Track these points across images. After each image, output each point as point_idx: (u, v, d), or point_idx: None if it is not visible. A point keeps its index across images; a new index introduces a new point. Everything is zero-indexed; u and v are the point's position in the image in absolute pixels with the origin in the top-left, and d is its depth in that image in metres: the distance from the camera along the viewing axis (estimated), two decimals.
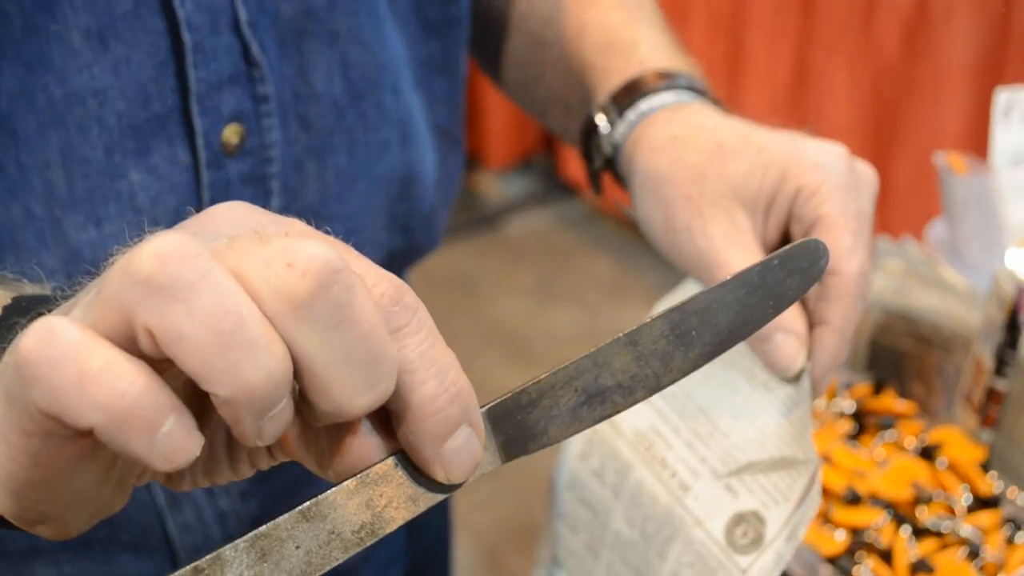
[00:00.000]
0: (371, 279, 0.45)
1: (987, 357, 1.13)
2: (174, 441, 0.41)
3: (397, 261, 1.01)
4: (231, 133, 0.82)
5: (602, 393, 0.53)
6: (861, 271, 0.71)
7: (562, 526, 0.81)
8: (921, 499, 1.10)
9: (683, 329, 0.54)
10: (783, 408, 0.72)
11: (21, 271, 0.59)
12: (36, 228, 0.77)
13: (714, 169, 0.75)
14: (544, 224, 3.79)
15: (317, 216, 0.90)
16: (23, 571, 0.93)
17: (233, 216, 0.47)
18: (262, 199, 0.85)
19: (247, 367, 0.41)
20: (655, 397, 0.73)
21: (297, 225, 0.47)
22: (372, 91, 0.89)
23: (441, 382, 0.46)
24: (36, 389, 0.41)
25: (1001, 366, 1.12)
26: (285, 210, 0.86)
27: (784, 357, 0.71)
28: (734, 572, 0.68)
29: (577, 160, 2.91)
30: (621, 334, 0.53)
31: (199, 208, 0.81)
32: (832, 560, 1.06)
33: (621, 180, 0.85)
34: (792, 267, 0.56)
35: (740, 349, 0.73)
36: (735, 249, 0.72)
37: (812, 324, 0.73)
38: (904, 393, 1.24)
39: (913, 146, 2.69)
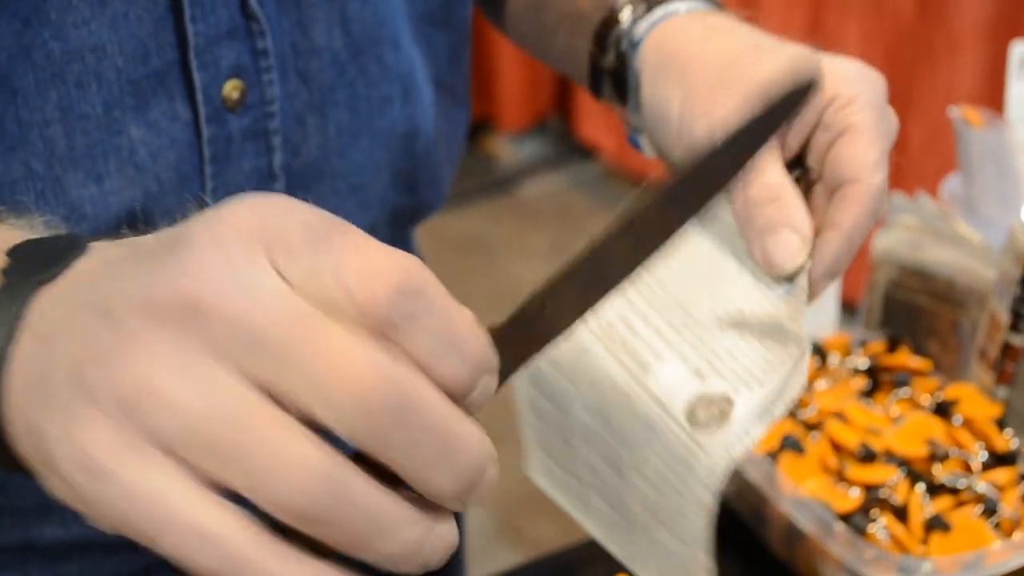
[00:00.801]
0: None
1: (1003, 312, 1.11)
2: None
3: (402, 219, 0.99)
4: (231, 88, 0.81)
5: (604, 279, 0.51)
6: (882, 187, 0.70)
7: (536, 423, 0.79)
8: (936, 456, 1.09)
9: (679, 195, 0.52)
10: (773, 298, 0.70)
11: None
12: (37, 185, 0.77)
13: (749, 60, 0.73)
14: (558, 186, 3.77)
15: (320, 172, 0.89)
16: (32, 529, 0.93)
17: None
18: (264, 154, 0.85)
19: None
20: (650, 299, 0.72)
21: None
22: (372, 46, 0.88)
23: (464, 362, 0.46)
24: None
25: (1017, 321, 1.11)
26: (287, 165, 0.86)
27: (786, 253, 0.68)
28: (695, 451, 0.65)
29: (592, 120, 2.91)
30: (615, 225, 0.51)
31: (200, 164, 0.81)
32: (846, 517, 1.05)
33: (623, 89, 0.82)
34: (782, 105, 0.54)
35: (734, 238, 0.72)
36: None
37: (820, 229, 0.71)
38: (919, 350, 1.23)
39: (928, 104, 2.67)
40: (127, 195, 0.79)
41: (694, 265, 0.72)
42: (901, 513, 1.05)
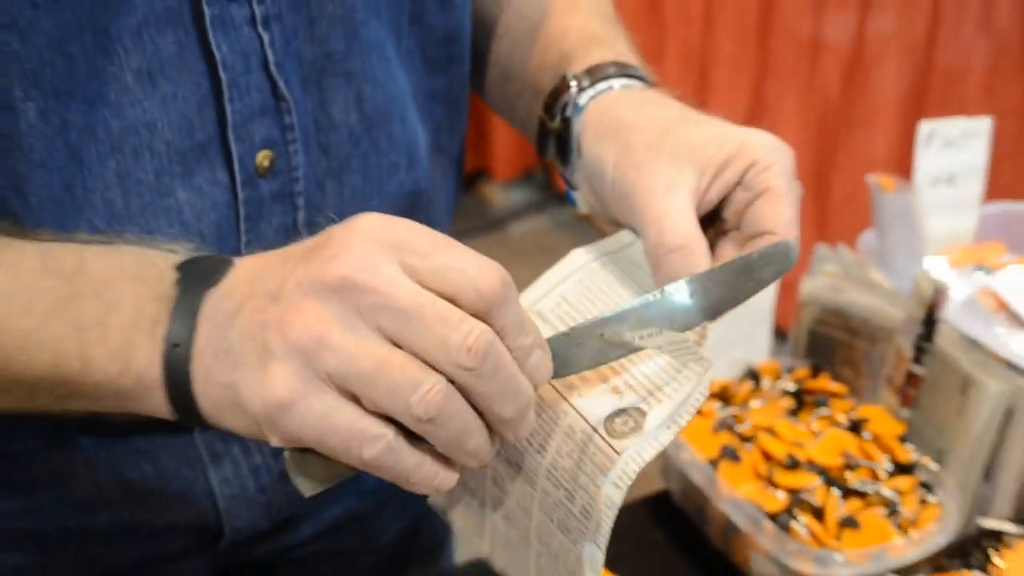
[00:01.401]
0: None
1: (907, 347, 1.13)
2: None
3: None
4: (263, 158, 0.82)
5: (621, 338, 0.64)
6: (794, 244, 0.70)
7: None
8: (850, 465, 1.10)
9: (696, 290, 0.66)
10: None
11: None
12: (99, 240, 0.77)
13: (679, 129, 0.73)
14: (541, 227, 3.78)
15: None
16: (87, 516, 0.93)
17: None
18: (290, 213, 0.85)
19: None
20: (552, 317, 0.73)
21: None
22: (383, 122, 0.89)
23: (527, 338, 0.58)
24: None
25: (919, 355, 1.13)
26: (309, 222, 0.87)
27: None
28: (611, 454, 0.65)
29: None
30: (637, 300, 0.65)
31: (237, 221, 0.82)
32: (773, 516, 1.07)
33: (565, 150, 0.82)
34: (769, 260, 0.67)
35: (650, 285, 0.72)
36: (670, 193, 0.71)
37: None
38: (837, 376, 1.24)
39: (848, 169, 2.69)
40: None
41: (612, 299, 0.73)
42: (819, 513, 1.06)
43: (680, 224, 0.70)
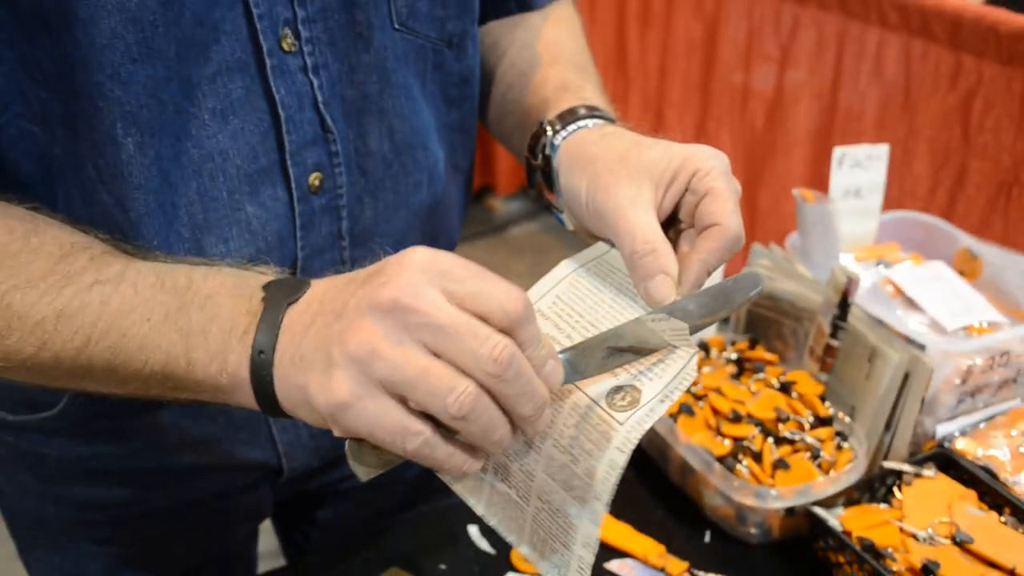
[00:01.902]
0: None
1: (826, 325, 1.08)
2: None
3: None
4: (314, 179, 0.80)
5: (620, 350, 0.62)
6: (738, 229, 0.67)
7: None
8: (781, 419, 1.06)
9: (672, 316, 0.63)
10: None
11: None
12: (185, 246, 0.76)
13: (633, 154, 0.70)
14: (533, 230, 3.77)
15: (372, 233, 0.87)
16: (168, 457, 0.91)
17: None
18: (335, 223, 0.83)
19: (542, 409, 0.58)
20: (551, 314, 0.70)
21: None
22: (409, 149, 0.86)
23: (543, 349, 0.57)
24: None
25: (835, 331, 1.08)
26: (351, 230, 0.85)
27: (661, 292, 0.66)
28: (613, 424, 0.62)
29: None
30: (635, 317, 0.64)
31: (294, 230, 0.81)
32: (721, 459, 1.02)
33: (550, 181, 0.78)
34: (741, 286, 0.65)
35: (628, 287, 0.69)
36: (636, 208, 0.67)
37: (688, 255, 0.68)
38: (770, 348, 1.20)
39: (772, 186, 2.67)
40: (244, 252, 0.79)
41: (597, 297, 0.70)
42: (758, 457, 1.02)
43: (648, 232, 0.67)
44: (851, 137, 2.61)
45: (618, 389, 0.63)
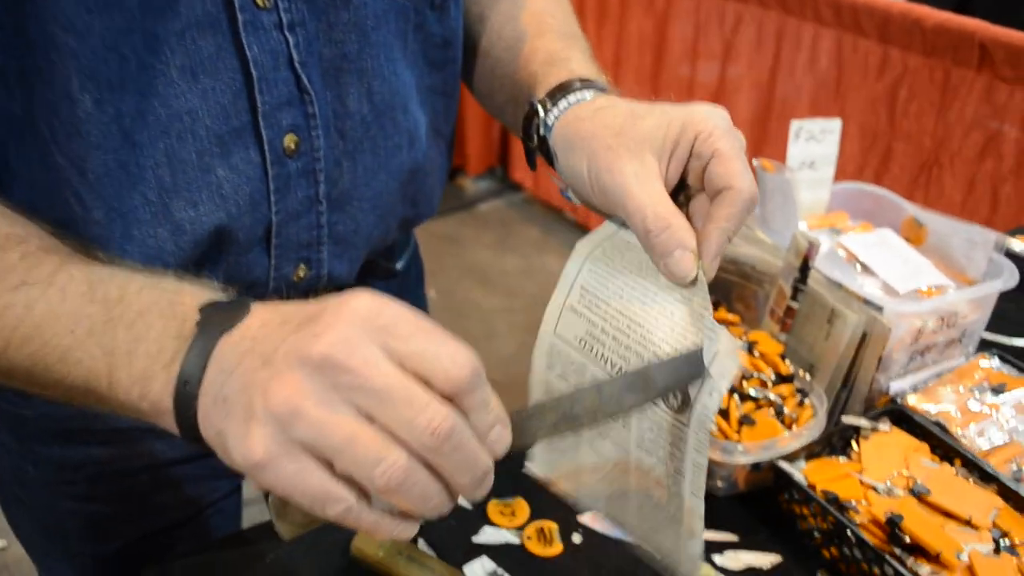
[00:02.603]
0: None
1: (786, 287, 0.98)
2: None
3: (407, 224, 0.85)
4: (289, 141, 0.68)
5: (575, 416, 0.52)
6: (751, 189, 0.56)
7: None
8: (745, 376, 0.96)
9: (634, 384, 0.53)
10: (683, 299, 0.57)
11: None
12: (151, 209, 0.64)
13: (629, 126, 0.59)
14: (499, 206, 3.65)
15: (351, 197, 0.75)
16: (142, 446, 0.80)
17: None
18: (312, 187, 0.71)
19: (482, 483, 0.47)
20: (582, 308, 0.60)
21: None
22: (389, 111, 0.74)
23: (490, 415, 0.47)
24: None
25: (795, 293, 0.98)
26: (328, 194, 0.73)
27: (682, 268, 0.55)
28: (680, 426, 0.54)
29: (521, 167, 2.77)
30: (593, 384, 0.53)
31: (267, 194, 0.68)
32: None
33: (550, 158, 0.67)
34: (695, 362, 0.54)
35: (647, 262, 0.58)
36: (643, 184, 0.56)
37: (705, 224, 0.57)
38: (732, 309, 1.09)
39: None
40: (215, 216, 0.67)
41: (623, 283, 0.59)
42: (724, 413, 0.92)
43: (659, 208, 0.55)
44: (787, 123, 2.53)
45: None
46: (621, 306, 0.58)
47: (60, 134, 0.59)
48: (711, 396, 0.52)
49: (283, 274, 0.73)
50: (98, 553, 0.88)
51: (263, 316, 0.48)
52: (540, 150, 0.67)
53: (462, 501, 0.88)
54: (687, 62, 2.73)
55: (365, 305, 0.45)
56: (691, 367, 0.53)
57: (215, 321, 0.49)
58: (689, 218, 0.57)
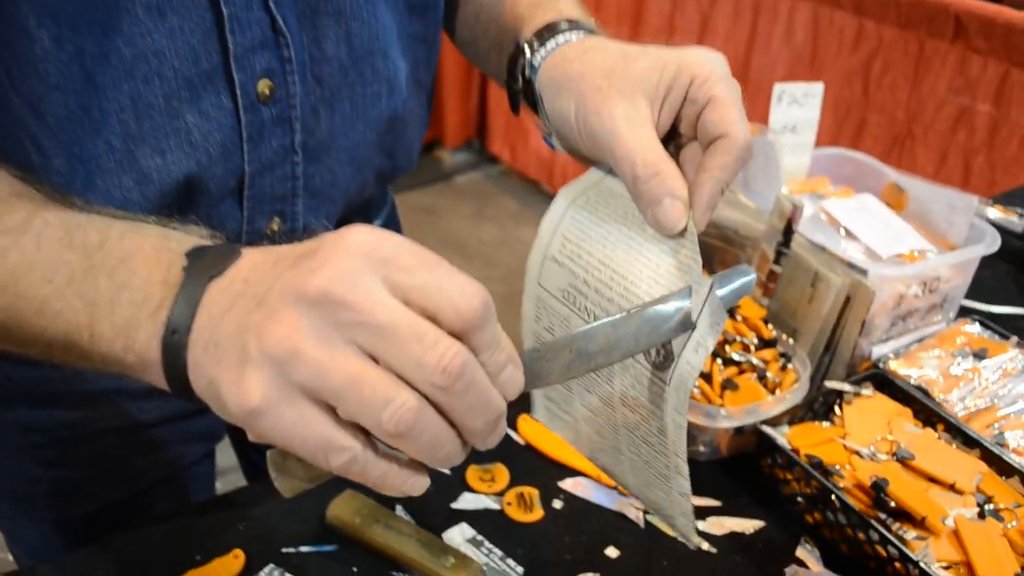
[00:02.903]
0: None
1: (769, 251, 0.95)
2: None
3: (384, 177, 0.80)
4: (263, 86, 0.63)
5: (589, 355, 0.47)
6: (747, 138, 0.52)
7: None
8: (728, 341, 0.93)
9: (645, 321, 0.48)
10: (670, 250, 0.52)
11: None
12: (115, 157, 0.59)
13: (620, 67, 0.54)
14: (476, 179, 3.60)
15: (328, 147, 0.70)
16: (122, 379, 0.75)
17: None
18: (288, 135, 0.66)
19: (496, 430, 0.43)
20: (563, 258, 0.55)
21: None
22: (368, 56, 0.69)
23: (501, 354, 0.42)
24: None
25: (779, 257, 0.95)
26: (304, 143, 0.68)
27: (670, 218, 0.51)
28: (659, 384, 0.50)
29: (499, 139, 2.72)
30: (608, 321, 0.48)
31: (240, 142, 0.63)
32: None
33: (534, 103, 0.63)
34: (730, 279, 0.50)
35: (633, 212, 0.54)
36: (633, 128, 0.52)
37: (698, 174, 0.52)
38: (713, 273, 1.05)
39: None
40: (184, 165, 0.62)
41: (607, 233, 0.55)
42: (707, 377, 0.89)
43: (649, 154, 0.51)
44: (763, 95, 2.50)
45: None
46: (604, 257, 0.54)
47: (16, 73, 0.54)
48: (696, 353, 0.48)
49: (256, 228, 0.69)
50: (67, 518, 0.84)
51: (255, 258, 0.44)
52: (524, 94, 0.62)
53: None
54: (664, 35, 2.69)
55: (364, 238, 0.40)
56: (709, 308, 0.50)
57: (203, 266, 0.44)
58: (680, 167, 0.53)
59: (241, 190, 0.66)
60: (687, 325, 0.49)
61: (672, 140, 0.56)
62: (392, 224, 0.95)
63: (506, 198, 3.40)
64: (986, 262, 1.02)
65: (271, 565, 0.73)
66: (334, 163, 0.70)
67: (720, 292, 0.49)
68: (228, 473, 1.11)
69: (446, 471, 0.84)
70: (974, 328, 1.01)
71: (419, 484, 0.43)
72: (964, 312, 1.06)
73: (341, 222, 0.78)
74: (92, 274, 0.45)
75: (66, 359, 0.48)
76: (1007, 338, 0.99)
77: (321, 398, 0.39)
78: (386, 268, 0.39)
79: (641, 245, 0.53)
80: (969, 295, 1.06)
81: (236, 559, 0.74)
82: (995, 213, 1.34)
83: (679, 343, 0.49)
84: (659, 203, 0.51)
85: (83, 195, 0.59)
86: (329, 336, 0.38)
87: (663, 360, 0.49)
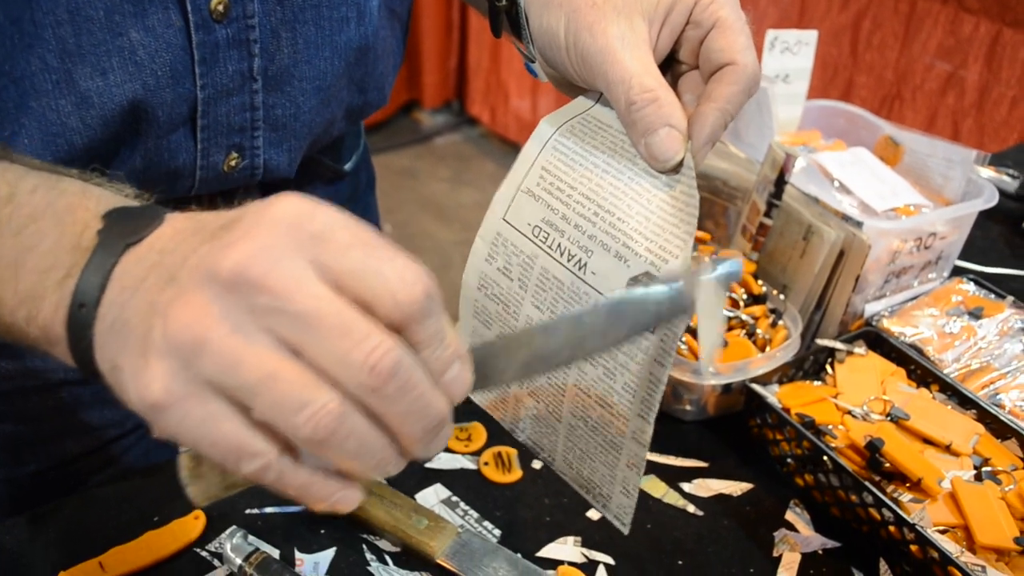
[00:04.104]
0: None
1: (761, 202, 0.91)
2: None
3: (355, 114, 0.75)
4: (217, 2, 0.57)
5: (550, 353, 0.41)
6: (754, 65, 0.48)
7: (476, 323, 0.57)
8: None
9: (617, 315, 0.42)
10: (664, 185, 0.48)
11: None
12: (52, 77, 0.54)
13: None
14: (455, 140, 3.52)
15: (290, 76, 0.65)
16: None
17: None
18: (246, 59, 0.61)
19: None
20: (541, 192, 0.51)
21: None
22: None
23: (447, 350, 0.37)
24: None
25: (770, 209, 0.90)
26: (264, 70, 0.62)
27: (666, 149, 0.46)
28: (644, 333, 0.46)
29: (478, 101, 2.65)
30: (569, 315, 0.43)
31: (191, 64, 0.57)
32: None
33: (518, 28, 0.57)
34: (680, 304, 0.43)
35: (624, 145, 0.49)
36: (628, 49, 0.47)
37: (699, 104, 0.48)
38: (701, 227, 1.01)
39: None
40: (128, 88, 0.56)
41: (593, 164, 0.50)
42: (694, 333, 0.84)
43: (645, 78, 0.46)
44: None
45: (635, 281, 0.45)
46: (588, 190, 0.50)
47: None
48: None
49: (212, 162, 0.63)
50: (16, 476, 0.78)
51: (177, 224, 0.38)
52: (508, 15, 0.57)
53: None
54: None
55: (292, 209, 0.34)
56: (682, 301, 0.44)
57: (121, 230, 0.38)
58: (678, 97, 0.48)
59: (194, 119, 0.60)
60: (679, 310, 0.44)
61: (670, 68, 0.51)
62: (365, 168, 0.90)
63: (486, 161, 3.34)
64: (978, 223, 0.99)
65: (233, 527, 0.69)
66: (297, 93, 0.65)
67: (708, 276, 0.45)
68: None
69: None
70: (969, 287, 0.97)
71: (347, 498, 0.37)
72: (957, 272, 1.03)
73: (307, 162, 0.73)
74: None
75: None
76: (1003, 297, 0.96)
77: (233, 396, 0.34)
78: (315, 246, 0.34)
79: (631, 179, 0.49)
80: (961, 256, 1.03)
81: (196, 520, 0.69)
82: (987, 173, 1.31)
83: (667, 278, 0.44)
84: (654, 133, 0.46)
85: (15, 119, 0.53)
86: (242, 324, 0.33)
87: None
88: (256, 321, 0.33)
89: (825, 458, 0.73)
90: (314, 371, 0.34)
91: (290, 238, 0.34)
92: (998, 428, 0.79)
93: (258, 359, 0.33)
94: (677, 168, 0.48)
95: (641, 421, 0.47)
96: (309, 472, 0.36)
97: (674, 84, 0.51)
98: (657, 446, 0.80)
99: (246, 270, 0.33)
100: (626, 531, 0.53)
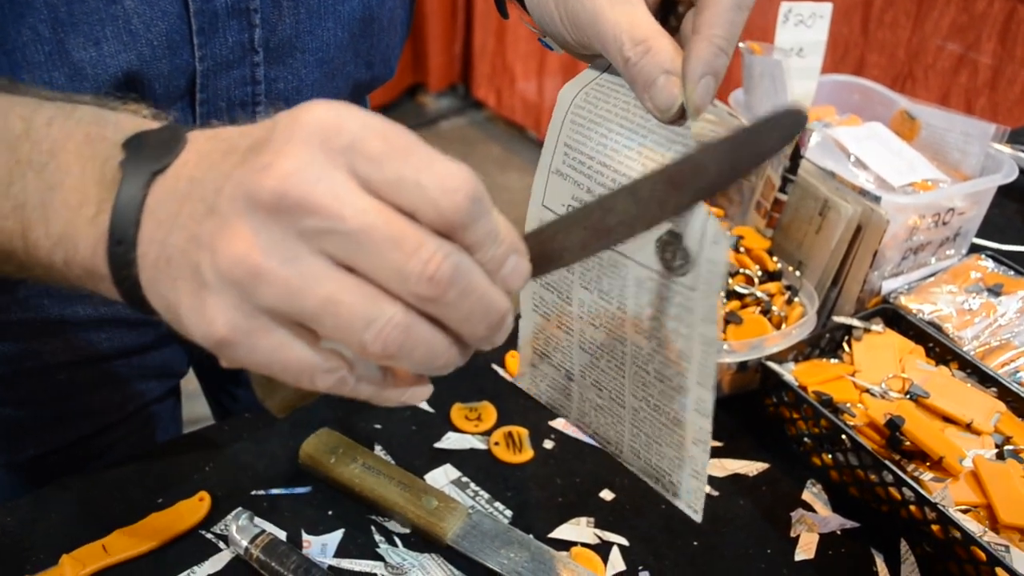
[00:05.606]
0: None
1: (776, 178, 0.89)
2: None
3: (360, 89, 0.73)
4: None
5: (608, 230, 0.39)
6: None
7: (536, 317, 0.56)
8: (730, 273, 0.87)
9: (678, 179, 0.38)
10: (667, 140, 0.46)
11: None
12: (44, 48, 0.52)
13: None
14: (460, 124, 3.49)
15: (293, 47, 0.63)
16: (67, 308, 0.68)
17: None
18: (246, 30, 0.59)
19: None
20: (568, 170, 0.49)
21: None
22: None
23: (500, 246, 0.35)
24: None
25: (785, 184, 0.88)
26: (265, 40, 0.60)
27: (667, 96, 0.43)
28: (683, 293, 0.43)
29: (483, 85, 2.62)
30: (623, 187, 0.39)
31: (189, 35, 0.55)
32: None
33: (523, 3, 0.55)
34: (776, 125, 0.38)
35: (635, 105, 0.47)
36: (619, 6, 0.44)
37: (688, 43, 0.44)
38: (714, 204, 1.00)
39: None
40: (123, 58, 0.54)
41: (607, 131, 0.48)
42: None
43: (637, 30, 0.43)
44: (757, 34, 2.41)
45: (661, 245, 0.43)
46: (605, 158, 0.48)
47: None
48: (717, 245, 0.42)
49: None
50: (17, 461, 0.77)
51: (201, 146, 0.36)
52: None
53: (423, 404, 0.79)
54: None
55: (321, 117, 0.32)
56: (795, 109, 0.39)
57: (144, 159, 0.36)
58: (681, 44, 0.46)
59: (193, 93, 0.59)
60: (728, 173, 0.40)
61: (671, 14, 0.49)
62: None
63: (491, 144, 3.32)
64: (995, 201, 0.97)
65: (239, 508, 0.68)
66: (300, 66, 0.63)
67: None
68: (195, 397, 1.05)
69: (428, 408, 0.78)
70: (988, 264, 0.95)
71: (419, 393, 0.38)
72: (974, 250, 1.01)
73: None
74: (20, 171, 0.38)
75: (13, 271, 0.41)
76: (1022, 275, 0.94)
77: (296, 320, 0.34)
78: (351, 157, 0.32)
79: (642, 142, 0.47)
80: (978, 234, 1.01)
81: (201, 502, 0.68)
82: (1003, 150, 1.28)
83: (695, 240, 0.43)
84: (654, 83, 0.43)
85: None
86: (293, 250, 0.32)
87: (682, 264, 0.43)
88: (307, 244, 0.32)
89: (844, 437, 0.72)
90: (373, 286, 0.33)
91: (325, 151, 0.32)
92: (1019, 406, 0.77)
93: (316, 283, 0.32)
94: (682, 116, 0.45)
95: (701, 389, 0.45)
96: (380, 375, 0.36)
97: (678, 29, 0.48)
98: None
99: (287, 193, 0.31)
100: (698, 518, 0.50)
